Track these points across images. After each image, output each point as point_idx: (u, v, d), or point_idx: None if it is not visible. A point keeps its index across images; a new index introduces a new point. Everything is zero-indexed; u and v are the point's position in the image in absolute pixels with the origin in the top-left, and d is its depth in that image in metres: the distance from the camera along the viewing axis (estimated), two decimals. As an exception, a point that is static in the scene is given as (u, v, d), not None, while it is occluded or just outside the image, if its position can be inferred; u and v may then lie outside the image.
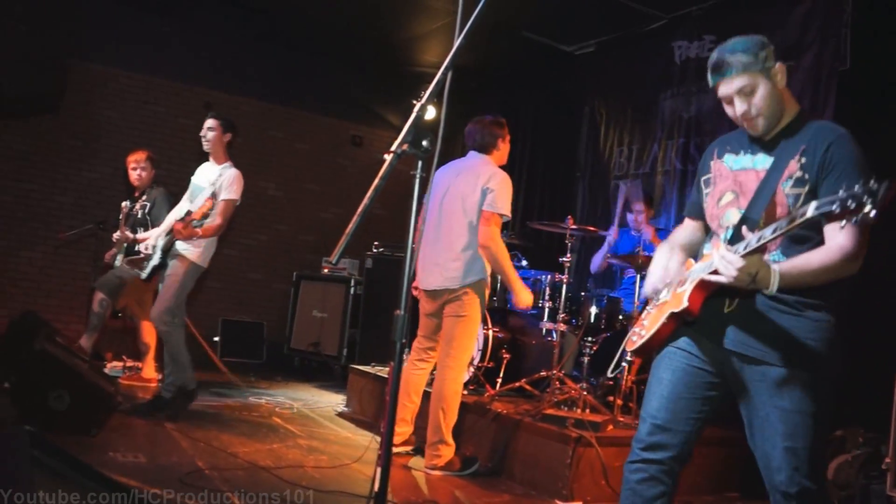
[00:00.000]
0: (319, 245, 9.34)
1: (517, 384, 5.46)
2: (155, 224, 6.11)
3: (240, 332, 8.60)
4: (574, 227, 5.45)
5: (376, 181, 1.92)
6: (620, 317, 5.38)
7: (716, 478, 4.83)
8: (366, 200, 1.93)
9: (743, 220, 2.47)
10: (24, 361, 4.31)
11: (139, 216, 6.42)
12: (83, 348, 6.23)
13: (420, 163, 2.00)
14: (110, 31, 8.06)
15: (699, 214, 2.80)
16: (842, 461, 4.38)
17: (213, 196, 5.26)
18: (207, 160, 5.60)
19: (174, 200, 6.03)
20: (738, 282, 2.22)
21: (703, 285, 2.42)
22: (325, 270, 8.58)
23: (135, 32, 8.24)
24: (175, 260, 5.30)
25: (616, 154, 7.45)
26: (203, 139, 5.48)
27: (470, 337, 4.68)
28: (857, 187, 1.89)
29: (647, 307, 2.78)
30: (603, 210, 7.41)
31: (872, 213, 1.85)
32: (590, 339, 5.38)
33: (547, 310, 5.68)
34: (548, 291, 5.71)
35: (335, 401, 6.80)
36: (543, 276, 5.82)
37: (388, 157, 1.97)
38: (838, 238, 2.29)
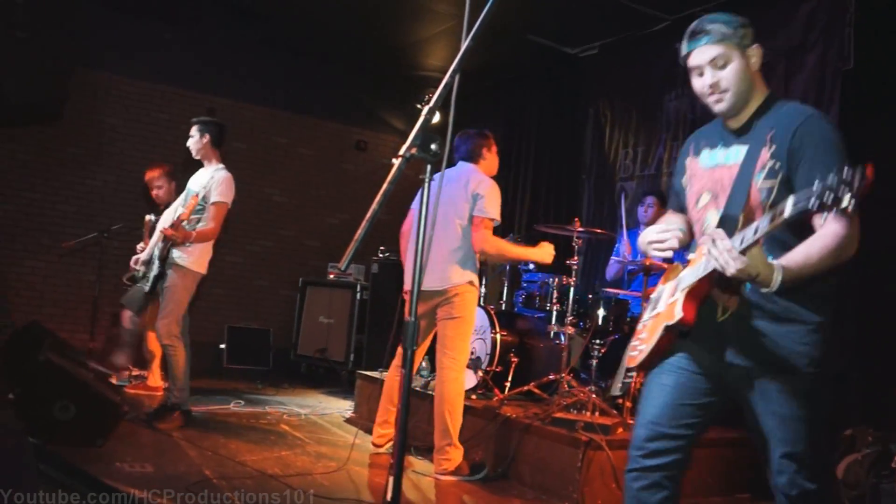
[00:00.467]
0: (325, 251, 9.33)
1: (526, 388, 5.43)
2: None
3: (246, 339, 8.57)
4: (581, 229, 5.42)
5: (385, 185, 1.89)
6: (629, 318, 5.36)
7: (727, 479, 4.79)
8: (374, 205, 1.90)
9: (722, 221, 2.40)
10: (28, 372, 4.29)
11: None
12: (119, 366, 6.31)
13: (429, 167, 1.97)
14: (113, 37, 8.03)
15: (681, 209, 2.75)
16: (851, 460, 4.35)
17: (203, 198, 5.35)
18: None
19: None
20: (739, 276, 2.12)
21: (694, 292, 2.35)
22: (331, 276, 8.56)
23: (138, 39, 8.22)
24: (171, 270, 5.30)
25: (621, 156, 7.42)
26: (190, 147, 5.61)
27: (464, 337, 4.77)
28: (830, 178, 1.82)
29: (643, 318, 2.71)
30: (609, 212, 7.39)
31: (851, 206, 1.78)
32: (598, 341, 5.35)
33: (555, 313, 5.66)
34: (555, 294, 5.69)
35: (343, 407, 6.77)
36: (550, 279, 5.80)
37: (396, 162, 1.93)
38: (831, 225, 2.22)
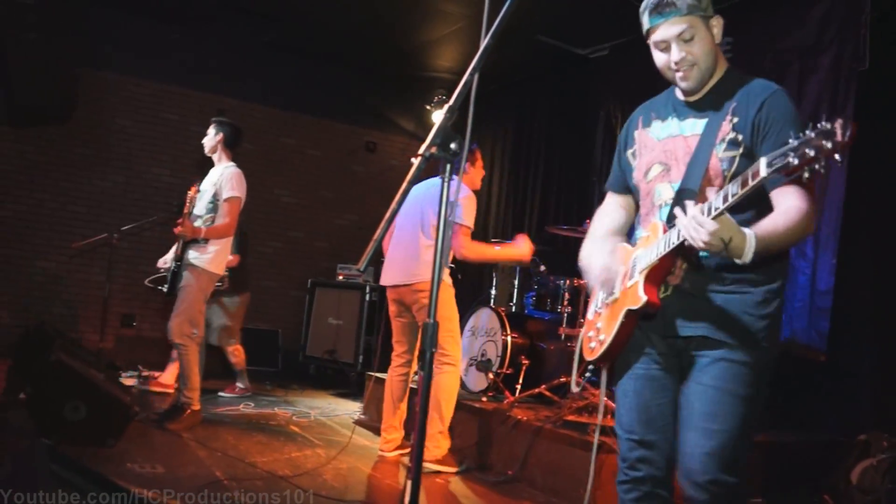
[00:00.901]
0: (334, 252, 9.31)
1: (537, 390, 5.40)
2: None
3: (255, 340, 8.54)
4: (592, 231, 5.38)
5: (404, 185, 1.86)
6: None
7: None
8: (393, 205, 1.88)
9: (680, 194, 2.28)
10: (39, 372, 4.28)
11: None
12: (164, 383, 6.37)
13: (448, 166, 1.94)
14: (122, 39, 8.06)
15: (623, 188, 2.63)
16: (866, 465, 4.30)
17: (215, 195, 5.41)
18: None
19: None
20: (709, 247, 1.98)
21: (655, 271, 2.22)
22: (340, 277, 8.54)
23: (146, 40, 8.23)
24: (187, 271, 5.30)
25: (632, 157, 7.37)
26: (203, 144, 5.72)
27: (450, 334, 4.81)
28: (808, 132, 1.71)
29: (594, 307, 2.56)
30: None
31: (837, 156, 1.67)
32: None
33: (566, 315, 5.63)
34: (566, 296, 5.66)
35: (352, 408, 6.76)
36: (561, 281, 5.77)
37: (415, 161, 1.91)
38: (792, 200, 2.13)
